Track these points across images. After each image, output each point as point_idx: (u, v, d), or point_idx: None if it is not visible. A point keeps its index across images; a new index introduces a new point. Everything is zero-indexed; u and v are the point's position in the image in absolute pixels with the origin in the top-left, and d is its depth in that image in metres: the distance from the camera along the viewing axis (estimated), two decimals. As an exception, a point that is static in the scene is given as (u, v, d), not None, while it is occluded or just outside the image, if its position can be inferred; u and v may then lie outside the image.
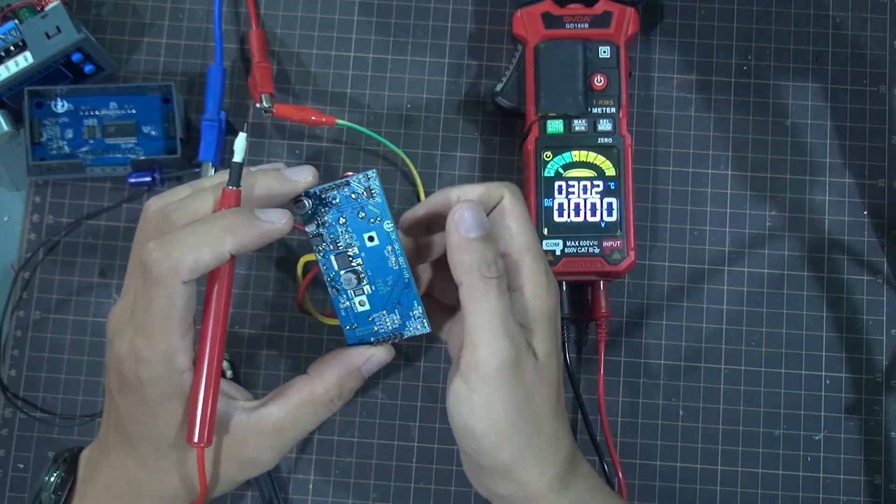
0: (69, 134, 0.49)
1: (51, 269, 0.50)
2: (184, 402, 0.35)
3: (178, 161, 0.49)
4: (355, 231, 0.37)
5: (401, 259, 0.37)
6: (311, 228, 0.37)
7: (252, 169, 0.37)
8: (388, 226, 0.37)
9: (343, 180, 0.37)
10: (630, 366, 0.50)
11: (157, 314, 0.34)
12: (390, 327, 0.38)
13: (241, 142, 0.35)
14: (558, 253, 0.46)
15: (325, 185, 0.37)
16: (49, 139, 0.49)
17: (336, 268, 0.37)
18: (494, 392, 0.36)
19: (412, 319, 0.38)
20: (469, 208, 0.36)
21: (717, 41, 0.52)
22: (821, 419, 0.49)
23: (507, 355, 0.36)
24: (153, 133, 0.49)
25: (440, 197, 0.38)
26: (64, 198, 0.51)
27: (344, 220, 0.37)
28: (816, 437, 0.49)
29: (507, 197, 0.38)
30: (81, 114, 0.49)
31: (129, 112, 0.49)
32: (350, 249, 0.37)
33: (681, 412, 0.50)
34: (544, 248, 0.46)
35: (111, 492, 0.37)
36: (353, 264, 0.37)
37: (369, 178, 0.37)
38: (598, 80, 0.47)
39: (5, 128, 0.49)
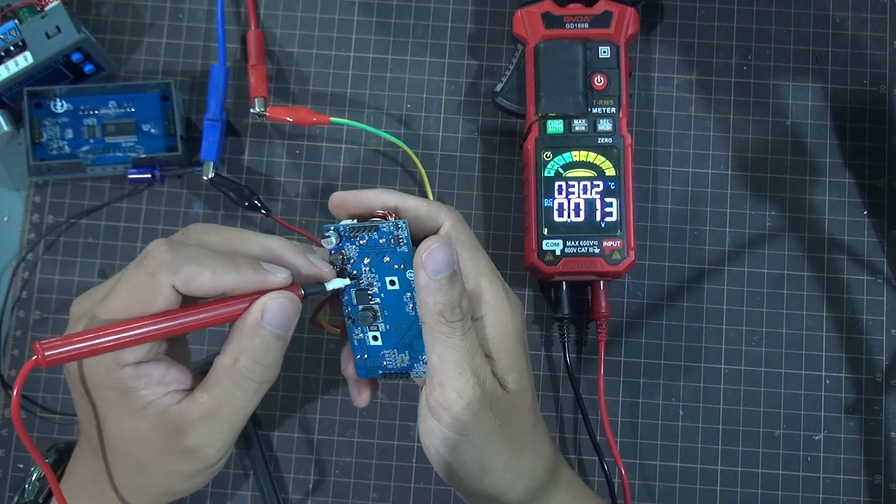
0: (69, 134, 0.49)
1: (51, 269, 0.50)
2: (115, 393, 0.33)
3: (178, 158, 0.49)
4: (378, 273, 0.37)
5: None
6: (335, 262, 0.37)
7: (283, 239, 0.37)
8: (410, 274, 0.37)
9: (372, 224, 0.37)
10: (630, 366, 0.50)
11: (131, 296, 0.33)
12: (399, 365, 0.39)
13: (338, 283, 0.37)
14: (558, 253, 0.46)
15: (355, 225, 0.37)
16: (49, 139, 0.49)
17: (355, 302, 0.38)
18: (468, 427, 0.36)
19: (420, 363, 0.39)
20: (440, 249, 0.35)
21: (717, 41, 0.52)
22: (821, 419, 0.49)
23: (474, 393, 0.35)
24: (153, 131, 0.49)
25: (376, 198, 0.37)
26: (64, 198, 0.51)
27: (368, 261, 0.37)
28: (816, 437, 0.49)
29: (447, 223, 0.37)
30: (81, 113, 0.49)
31: (129, 111, 0.49)
32: (370, 289, 0.37)
33: (681, 412, 0.49)
34: (544, 248, 0.46)
35: (83, 481, 0.37)
36: (371, 302, 0.38)
37: (399, 228, 0.36)
38: (598, 80, 0.47)
39: (5, 128, 0.49)
